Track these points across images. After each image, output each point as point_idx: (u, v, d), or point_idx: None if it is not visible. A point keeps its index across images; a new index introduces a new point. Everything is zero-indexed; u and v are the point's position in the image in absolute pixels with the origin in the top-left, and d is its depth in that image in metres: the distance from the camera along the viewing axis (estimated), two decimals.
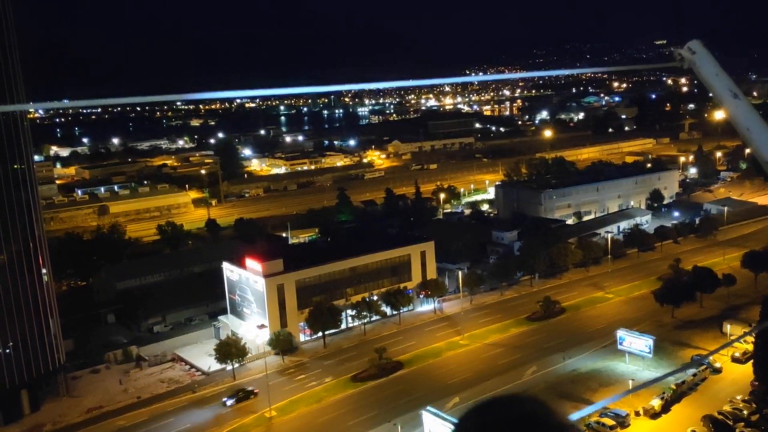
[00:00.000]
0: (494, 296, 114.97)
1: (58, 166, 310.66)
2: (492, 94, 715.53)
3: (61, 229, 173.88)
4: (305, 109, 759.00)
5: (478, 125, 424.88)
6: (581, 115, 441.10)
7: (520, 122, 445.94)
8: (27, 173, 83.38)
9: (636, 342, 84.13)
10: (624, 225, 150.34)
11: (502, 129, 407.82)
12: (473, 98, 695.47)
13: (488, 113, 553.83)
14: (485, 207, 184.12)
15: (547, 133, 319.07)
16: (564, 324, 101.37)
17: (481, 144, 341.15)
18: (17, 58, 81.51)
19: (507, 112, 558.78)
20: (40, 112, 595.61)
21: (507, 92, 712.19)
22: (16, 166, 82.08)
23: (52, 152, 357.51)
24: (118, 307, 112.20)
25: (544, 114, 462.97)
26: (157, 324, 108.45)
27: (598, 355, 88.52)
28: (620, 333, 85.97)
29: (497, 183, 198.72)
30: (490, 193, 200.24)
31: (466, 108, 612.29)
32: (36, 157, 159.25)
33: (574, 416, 4.35)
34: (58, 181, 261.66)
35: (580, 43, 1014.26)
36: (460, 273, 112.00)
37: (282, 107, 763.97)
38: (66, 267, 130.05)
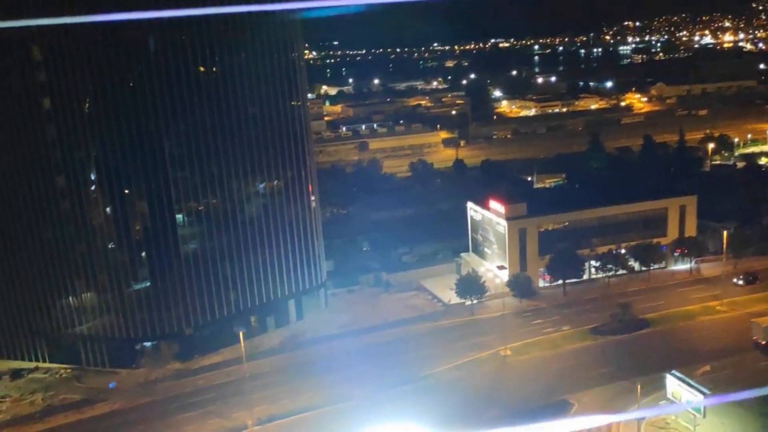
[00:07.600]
0: (765, 262, 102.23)
1: (327, 103, 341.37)
2: None
3: (328, 161, 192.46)
4: (561, 48, 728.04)
5: (762, 66, 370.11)
6: None
7: None
8: (302, 110, 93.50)
9: None
10: None
11: None
12: (758, 34, 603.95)
13: None
14: (764, 161, 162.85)
15: None
16: None
17: (765, 88, 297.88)
18: None
19: None
20: (314, 53, 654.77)
21: None
22: (293, 103, 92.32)
23: (322, 91, 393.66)
24: (373, 235, 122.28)
25: None
26: (405, 254, 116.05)
27: None
28: None
29: None
30: None
31: (749, 46, 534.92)
32: (309, 95, 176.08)
33: None
34: (326, 118, 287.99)
35: None
36: (725, 233, 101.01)
37: (536, 47, 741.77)
38: (330, 196, 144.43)
